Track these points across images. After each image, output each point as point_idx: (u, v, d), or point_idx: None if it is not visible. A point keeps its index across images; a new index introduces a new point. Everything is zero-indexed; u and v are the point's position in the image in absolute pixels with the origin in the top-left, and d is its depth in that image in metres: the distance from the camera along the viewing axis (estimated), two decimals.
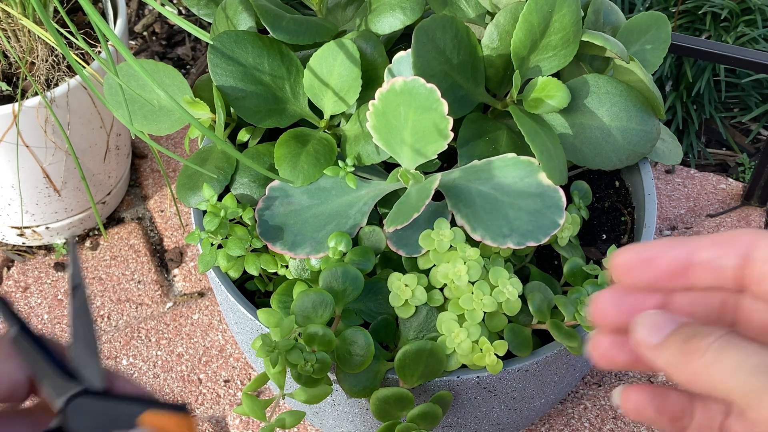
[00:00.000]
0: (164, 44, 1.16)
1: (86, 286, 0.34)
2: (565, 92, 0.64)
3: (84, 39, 0.84)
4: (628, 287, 0.35)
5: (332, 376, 0.60)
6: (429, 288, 0.61)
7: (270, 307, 0.62)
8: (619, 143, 0.66)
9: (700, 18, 1.08)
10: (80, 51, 0.84)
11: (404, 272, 0.62)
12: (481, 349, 0.59)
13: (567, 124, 0.66)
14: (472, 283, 0.60)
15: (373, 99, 0.61)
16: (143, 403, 0.33)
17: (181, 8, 1.18)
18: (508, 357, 0.61)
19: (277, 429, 0.61)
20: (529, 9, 0.61)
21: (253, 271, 0.63)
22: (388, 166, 0.68)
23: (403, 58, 0.64)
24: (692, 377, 0.32)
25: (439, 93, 0.59)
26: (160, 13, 1.10)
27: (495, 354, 0.59)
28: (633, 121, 0.66)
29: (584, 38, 0.63)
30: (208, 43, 0.64)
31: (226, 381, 0.84)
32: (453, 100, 0.63)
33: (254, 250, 0.65)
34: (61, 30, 0.75)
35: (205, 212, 0.64)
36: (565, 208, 0.62)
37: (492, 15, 0.66)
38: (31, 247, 0.95)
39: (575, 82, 0.66)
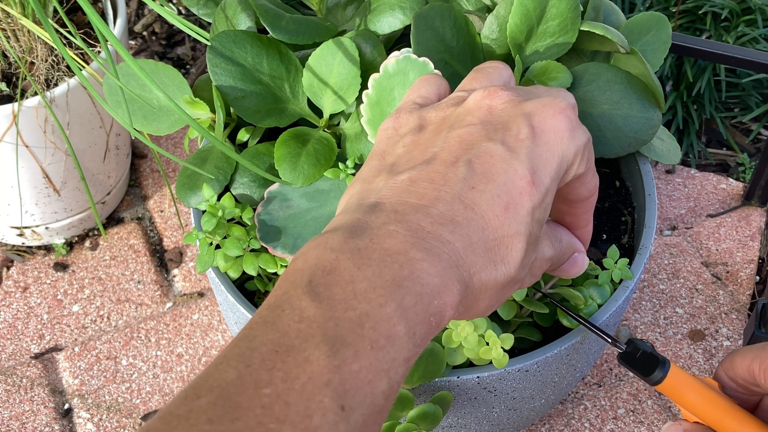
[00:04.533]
0: (164, 44, 1.16)
1: None
2: (567, 73, 0.64)
3: (84, 39, 0.84)
4: None
5: None
6: None
7: None
8: (621, 130, 0.66)
9: (701, 18, 1.08)
10: (80, 51, 0.84)
11: None
12: (488, 343, 0.59)
13: None
14: None
15: (367, 89, 0.61)
16: None
17: (180, 8, 1.18)
18: (508, 357, 0.61)
19: None
20: None
21: (251, 272, 0.63)
22: None
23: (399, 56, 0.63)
24: None
25: (432, 65, 0.59)
26: (159, 13, 1.10)
27: (501, 347, 0.59)
28: (634, 108, 0.66)
29: (584, 27, 0.63)
30: (207, 43, 0.64)
31: None
32: (453, 90, 0.63)
33: (253, 251, 0.64)
34: (61, 30, 0.75)
35: (204, 212, 0.64)
36: None
37: (490, 10, 0.66)
38: (30, 247, 0.95)
39: (576, 69, 0.66)
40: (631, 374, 0.84)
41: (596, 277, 0.65)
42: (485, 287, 0.40)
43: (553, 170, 0.42)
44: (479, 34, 0.65)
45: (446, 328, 0.60)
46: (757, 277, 0.92)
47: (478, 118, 0.43)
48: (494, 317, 0.63)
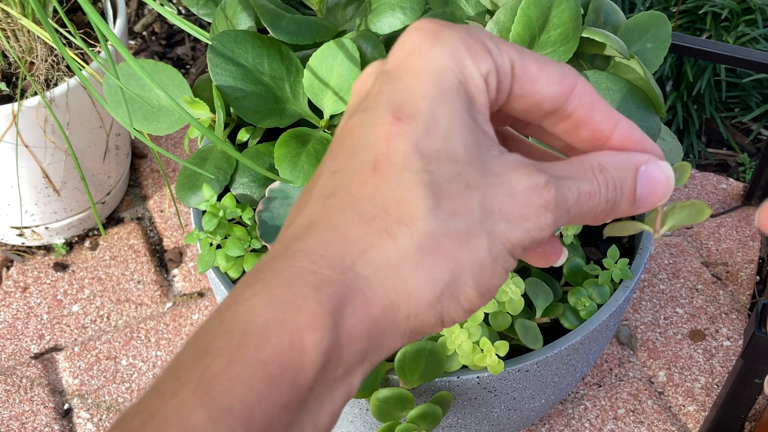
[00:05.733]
0: (164, 44, 1.16)
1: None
2: None
3: (84, 39, 0.84)
4: None
5: None
6: None
7: None
8: None
9: (701, 18, 1.08)
10: (80, 51, 0.84)
11: None
12: (482, 350, 0.59)
13: None
14: None
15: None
16: None
17: (180, 8, 1.18)
18: (508, 357, 0.61)
19: None
20: (527, 3, 0.61)
21: None
22: None
23: None
24: None
25: None
26: (159, 13, 1.09)
27: (496, 354, 0.59)
28: (633, 117, 0.66)
29: (584, 34, 0.63)
30: (207, 43, 0.64)
31: None
32: None
33: (253, 250, 0.64)
34: (61, 30, 0.75)
35: (204, 212, 0.64)
36: None
37: (492, 14, 0.66)
38: (30, 247, 0.95)
39: None
40: (631, 374, 0.84)
41: (596, 277, 0.65)
42: (391, 265, 0.29)
43: (431, 89, 0.31)
44: None
45: (440, 335, 0.60)
46: (757, 277, 0.92)
47: (349, 107, 0.34)
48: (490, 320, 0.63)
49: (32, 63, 0.81)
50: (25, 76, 0.80)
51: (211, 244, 0.64)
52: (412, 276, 0.29)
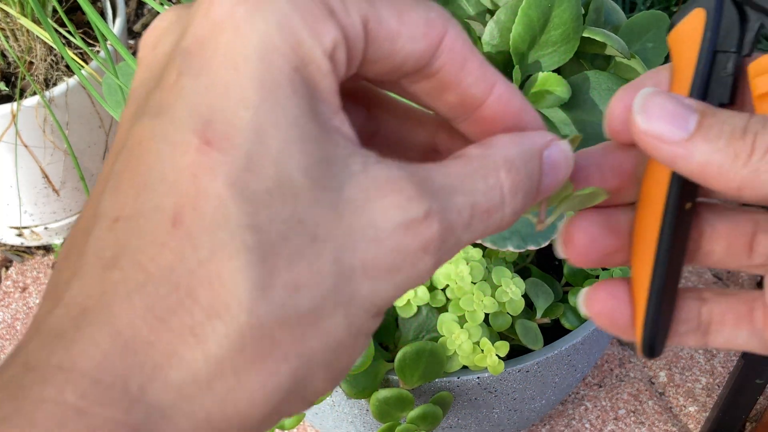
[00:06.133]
0: None
1: None
2: (566, 87, 0.64)
3: (83, 38, 0.84)
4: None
5: None
6: (431, 288, 0.61)
7: None
8: None
9: None
10: (80, 50, 0.84)
11: None
12: (483, 350, 0.59)
13: (568, 120, 0.66)
14: (475, 284, 0.60)
15: None
16: None
17: None
18: (508, 357, 0.61)
19: (277, 430, 0.61)
20: (528, 3, 0.61)
21: None
22: None
23: None
24: (748, 182, 0.24)
25: None
26: (159, 13, 1.09)
27: (496, 355, 0.59)
28: None
29: (585, 34, 0.63)
30: None
31: None
32: None
33: None
34: (60, 29, 0.75)
35: None
36: None
37: (492, 13, 0.66)
38: (29, 247, 0.95)
39: (576, 78, 0.66)
40: (632, 374, 0.84)
41: (597, 277, 0.65)
42: (200, 385, 0.19)
43: (253, 88, 0.20)
44: (479, 38, 0.65)
45: (440, 335, 0.60)
46: (759, 277, 0.92)
47: (135, 85, 0.23)
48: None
49: (31, 63, 0.81)
50: (25, 75, 0.80)
51: None
52: (233, 394, 0.19)
